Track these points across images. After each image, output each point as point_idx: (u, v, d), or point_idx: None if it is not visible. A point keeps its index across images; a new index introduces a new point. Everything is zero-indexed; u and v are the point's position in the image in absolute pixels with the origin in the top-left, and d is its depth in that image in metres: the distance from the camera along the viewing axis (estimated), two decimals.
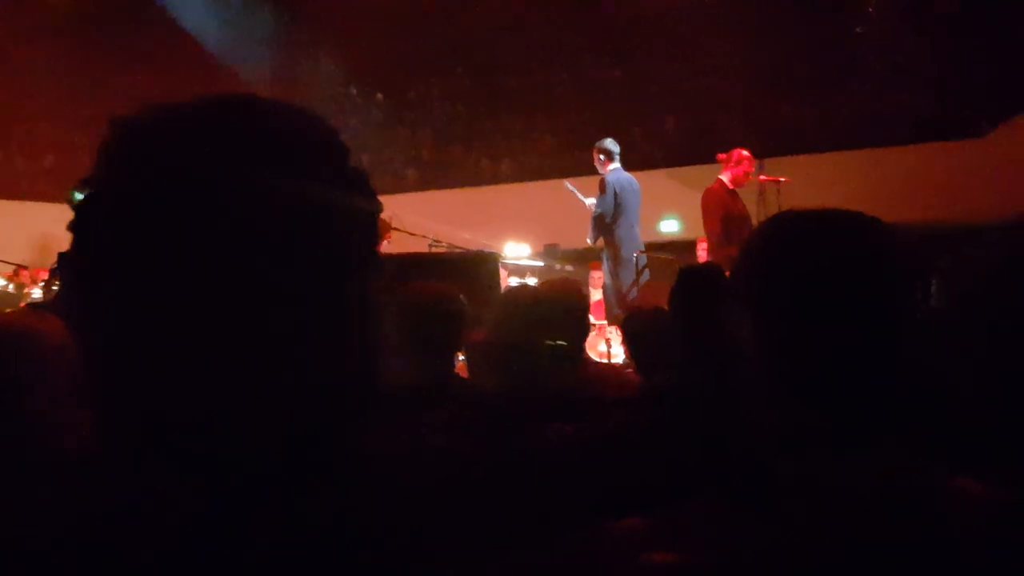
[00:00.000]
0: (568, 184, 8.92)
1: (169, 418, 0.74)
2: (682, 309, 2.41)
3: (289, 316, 0.75)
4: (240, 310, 0.73)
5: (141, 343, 0.74)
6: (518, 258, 9.90)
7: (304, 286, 0.75)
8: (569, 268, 9.87)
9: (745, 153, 7.35)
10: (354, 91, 16.61)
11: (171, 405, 0.74)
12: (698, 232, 8.09)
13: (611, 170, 8.16)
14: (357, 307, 0.80)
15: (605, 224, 8.13)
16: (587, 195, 8.49)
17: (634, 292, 7.84)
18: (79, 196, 0.77)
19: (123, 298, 0.74)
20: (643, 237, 8.34)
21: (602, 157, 8.23)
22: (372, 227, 0.84)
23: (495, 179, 14.90)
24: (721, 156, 7.47)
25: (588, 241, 8.34)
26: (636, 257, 7.94)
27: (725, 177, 7.27)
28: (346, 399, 0.81)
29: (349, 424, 0.82)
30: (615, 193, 8.01)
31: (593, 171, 8.41)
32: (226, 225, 0.73)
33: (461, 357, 3.40)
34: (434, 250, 8.33)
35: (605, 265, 8.31)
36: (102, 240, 0.74)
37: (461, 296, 2.87)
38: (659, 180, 12.16)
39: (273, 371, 0.75)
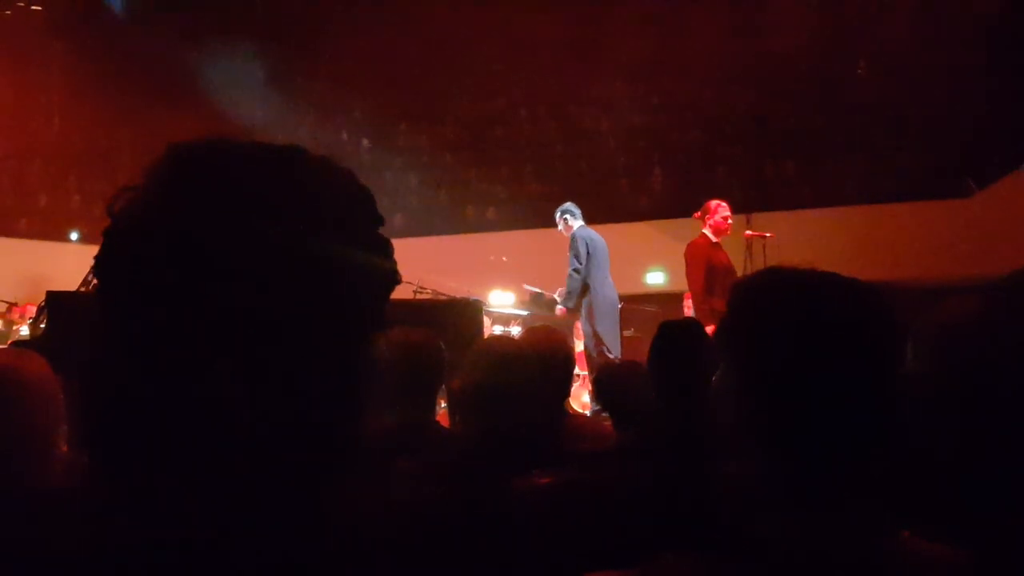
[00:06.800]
0: (527, 286, 8.86)
1: (159, 454, 0.74)
2: (661, 363, 2.40)
3: (296, 365, 0.76)
4: (253, 354, 0.74)
5: (146, 371, 0.74)
6: (502, 306, 9.89)
7: (316, 338, 0.77)
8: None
9: (717, 201, 7.38)
10: (343, 136, 16.69)
11: (164, 441, 0.73)
12: (684, 285, 8.09)
13: (578, 227, 8.28)
14: (358, 362, 0.81)
15: (581, 279, 8.14)
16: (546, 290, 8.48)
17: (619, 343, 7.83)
18: (118, 204, 0.77)
19: (144, 317, 0.74)
20: (630, 289, 8.33)
21: (567, 218, 8.37)
22: (386, 291, 0.85)
23: (481, 227, 14.92)
24: (696, 214, 7.48)
25: (568, 306, 8.24)
26: (619, 308, 7.94)
27: (708, 231, 7.31)
28: (333, 447, 0.81)
29: (333, 472, 0.82)
30: (587, 246, 8.07)
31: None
32: (255, 272, 0.74)
33: (443, 404, 3.37)
34: (419, 296, 8.31)
35: (584, 320, 8.24)
36: (140, 254, 0.74)
37: (440, 344, 2.85)
38: (645, 232, 12.21)
39: (272, 417, 0.75)
